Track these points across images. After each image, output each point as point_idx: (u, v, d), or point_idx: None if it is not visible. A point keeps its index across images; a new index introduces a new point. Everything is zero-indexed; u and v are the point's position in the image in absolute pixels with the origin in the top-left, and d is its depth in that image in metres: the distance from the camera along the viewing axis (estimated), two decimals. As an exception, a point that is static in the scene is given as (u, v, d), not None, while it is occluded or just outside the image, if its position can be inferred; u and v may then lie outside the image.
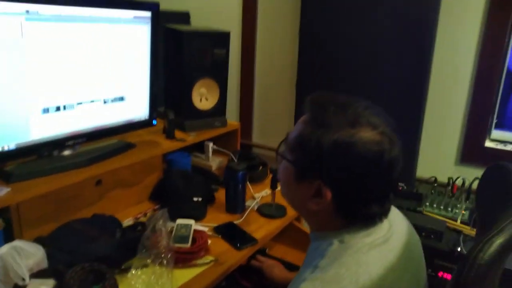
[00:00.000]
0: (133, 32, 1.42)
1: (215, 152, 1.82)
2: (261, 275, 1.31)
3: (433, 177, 1.84)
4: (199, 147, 1.82)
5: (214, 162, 1.80)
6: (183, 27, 1.71)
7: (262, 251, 1.47)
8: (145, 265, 1.05)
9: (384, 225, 0.76)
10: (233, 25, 2.39)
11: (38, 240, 1.11)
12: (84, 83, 1.31)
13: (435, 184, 1.82)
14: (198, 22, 2.51)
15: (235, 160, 1.66)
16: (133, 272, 1.02)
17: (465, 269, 0.60)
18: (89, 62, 1.30)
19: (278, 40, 2.31)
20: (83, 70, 1.29)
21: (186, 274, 1.09)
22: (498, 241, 0.61)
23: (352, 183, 0.71)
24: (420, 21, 1.74)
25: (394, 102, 1.86)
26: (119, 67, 1.41)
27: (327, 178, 0.71)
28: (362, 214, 0.73)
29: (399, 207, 1.70)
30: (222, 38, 1.74)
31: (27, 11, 1.10)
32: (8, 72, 1.09)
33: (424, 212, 1.64)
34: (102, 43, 1.33)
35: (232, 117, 2.42)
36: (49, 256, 1.03)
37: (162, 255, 1.03)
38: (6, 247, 0.93)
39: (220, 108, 1.81)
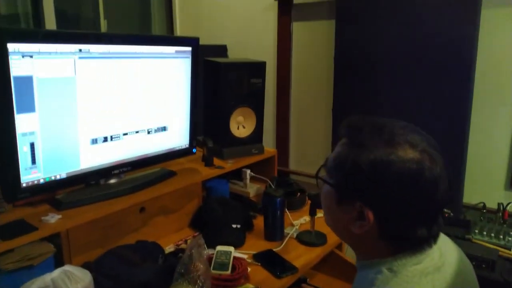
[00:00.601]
0: (175, 66, 1.50)
1: (252, 179, 1.84)
2: None
3: (481, 203, 1.75)
4: (237, 174, 1.85)
5: (252, 189, 1.82)
6: (220, 59, 1.78)
7: (303, 281, 1.45)
8: (185, 291, 1.06)
9: (435, 252, 0.73)
10: (268, 56, 2.46)
11: (86, 265, 1.15)
12: (130, 115, 1.38)
13: (484, 210, 1.73)
14: (235, 54, 2.60)
15: (273, 187, 1.66)
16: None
17: None
18: (135, 94, 1.38)
19: (313, 68, 2.34)
20: (129, 102, 1.37)
21: (226, 302, 1.09)
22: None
23: (393, 203, 0.69)
24: (459, 38, 1.71)
25: (436, 126, 1.82)
26: (162, 99, 1.48)
27: (367, 199, 0.70)
28: (408, 238, 0.70)
29: (446, 235, 1.64)
30: (258, 68, 1.80)
31: (80, 50, 1.19)
32: (62, 106, 1.18)
33: (473, 240, 1.56)
34: (147, 76, 1.40)
35: (269, 145, 2.44)
36: (95, 281, 1.07)
37: (199, 282, 1.04)
38: (57, 272, 0.98)
39: (257, 135, 1.85)
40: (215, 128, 1.80)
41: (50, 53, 1.12)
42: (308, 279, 1.48)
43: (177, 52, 1.49)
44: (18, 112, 1.08)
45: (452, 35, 1.72)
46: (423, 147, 0.69)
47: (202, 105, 1.86)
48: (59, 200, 1.24)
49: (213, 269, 1.16)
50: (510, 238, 1.56)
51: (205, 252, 1.14)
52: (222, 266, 1.17)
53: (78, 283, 0.99)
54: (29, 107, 1.10)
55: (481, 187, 1.89)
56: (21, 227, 1.09)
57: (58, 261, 1.13)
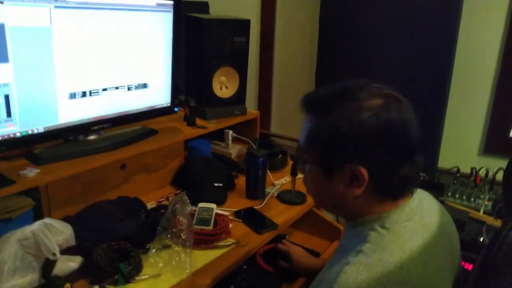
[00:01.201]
0: (156, 19, 1.44)
1: (234, 140, 1.84)
2: (285, 259, 1.31)
3: (455, 167, 1.81)
4: (219, 135, 1.84)
5: (234, 150, 1.82)
6: (203, 15, 1.72)
7: (282, 237, 1.48)
8: (166, 246, 1.08)
9: (416, 204, 0.78)
10: (252, 14, 2.40)
11: (66, 220, 1.15)
12: (109, 70, 1.34)
13: (458, 175, 1.79)
14: (217, 11, 2.52)
15: (255, 148, 1.67)
16: (153, 251, 1.05)
17: (496, 245, 0.59)
18: (114, 49, 1.33)
19: (297, 29, 2.30)
20: (108, 57, 1.32)
21: (208, 255, 1.11)
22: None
23: (377, 150, 0.71)
24: (443, 12, 1.71)
25: (416, 92, 1.84)
26: (143, 54, 1.43)
27: (354, 158, 0.72)
28: (399, 182, 0.73)
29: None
30: (242, 26, 1.75)
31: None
32: (37, 58, 1.13)
33: (446, 202, 1.62)
34: (126, 30, 1.35)
35: (251, 106, 2.43)
36: (77, 234, 1.07)
37: (182, 236, 1.06)
38: (37, 224, 0.97)
39: (240, 96, 1.83)
40: (198, 87, 1.77)
41: (23, 0, 1.06)
42: (287, 236, 1.52)
43: (158, 5, 1.43)
44: (-9, 62, 1.03)
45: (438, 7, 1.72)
46: (385, 92, 0.73)
47: (184, 64, 1.82)
48: (37, 154, 1.21)
49: (196, 224, 1.17)
50: (480, 201, 1.63)
51: (188, 208, 1.15)
52: (204, 221, 1.19)
53: (59, 236, 0.99)
54: (2, 57, 1.05)
55: (456, 152, 1.94)
56: (-1, 181, 1.07)
57: (37, 215, 1.12)
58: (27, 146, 1.22)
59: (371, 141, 0.70)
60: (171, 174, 1.54)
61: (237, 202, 1.44)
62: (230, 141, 1.82)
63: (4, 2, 1.03)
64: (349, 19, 1.96)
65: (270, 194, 1.47)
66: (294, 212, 1.40)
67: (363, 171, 0.72)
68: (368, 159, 0.72)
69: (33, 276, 0.94)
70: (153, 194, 1.45)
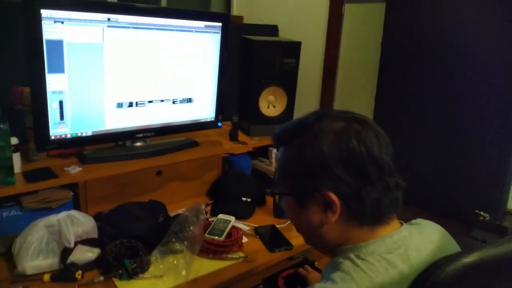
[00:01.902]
0: (204, 40, 1.55)
1: (279, 158, 1.84)
2: (304, 285, 1.28)
3: (524, 209, 1.58)
4: (266, 153, 1.87)
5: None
6: (255, 37, 1.79)
7: (311, 263, 1.44)
8: (175, 250, 1.13)
9: (402, 237, 0.72)
10: (317, 37, 2.41)
11: (98, 215, 1.28)
12: (156, 84, 1.47)
13: (526, 218, 1.56)
14: (286, 34, 2.59)
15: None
16: (162, 253, 1.10)
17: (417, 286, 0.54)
18: (161, 65, 1.46)
19: (361, 52, 2.25)
20: (155, 72, 1.46)
21: (213, 265, 1.14)
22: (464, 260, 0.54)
23: (342, 175, 0.69)
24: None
25: (482, 119, 1.67)
26: (189, 71, 1.54)
27: (322, 183, 0.71)
28: (371, 206, 0.70)
29: (474, 239, 1.52)
30: (292, 47, 1.79)
31: (109, 19, 1.29)
32: (89, 71, 1.30)
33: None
34: (174, 48, 1.48)
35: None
36: (101, 229, 1.19)
37: (189, 241, 1.10)
38: (62, 214, 1.10)
39: (287, 115, 1.85)
40: (245, 105, 1.83)
41: (80, 20, 1.23)
42: (316, 263, 1.47)
43: (206, 26, 1.54)
44: (49, 72, 1.22)
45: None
46: (346, 116, 0.73)
47: (238, 83, 1.90)
48: (84, 155, 1.38)
49: (208, 233, 1.21)
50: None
51: (202, 216, 1.20)
52: (218, 232, 1.22)
53: (79, 227, 1.10)
54: (59, 68, 1.23)
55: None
56: (45, 174, 1.24)
57: (76, 208, 1.27)
58: (77, 147, 1.39)
59: (333, 166, 0.69)
60: (207, 185, 1.61)
61: (263, 218, 1.44)
62: (273, 159, 1.83)
63: (64, 22, 1.21)
64: (412, 44, 1.87)
65: (296, 215, 1.44)
66: (317, 235, 1.36)
67: (333, 196, 0.70)
68: (335, 184, 0.70)
69: (54, 260, 1.06)
70: (186, 202, 1.51)
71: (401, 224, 0.76)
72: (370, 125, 0.72)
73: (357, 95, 2.31)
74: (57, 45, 1.21)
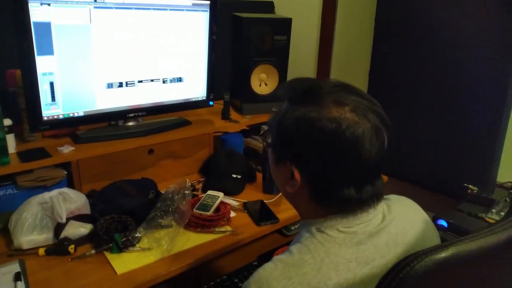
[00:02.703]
0: (192, 18, 1.56)
1: (271, 136, 1.87)
2: None
3: (510, 182, 1.60)
4: (259, 130, 1.89)
5: (269, 146, 1.86)
6: (245, 14, 1.79)
7: None
8: (164, 225, 1.17)
9: (374, 218, 0.71)
10: (313, 15, 2.40)
11: (91, 192, 1.33)
12: (145, 64, 1.49)
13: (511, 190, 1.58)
14: (282, 12, 2.57)
15: (263, 144, 1.68)
16: (151, 228, 1.15)
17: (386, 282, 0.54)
18: (150, 45, 1.48)
19: (356, 29, 2.24)
20: (144, 52, 1.47)
21: (200, 238, 1.18)
22: (438, 256, 0.53)
23: (316, 161, 0.69)
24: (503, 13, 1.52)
25: (474, 100, 1.68)
26: (178, 51, 1.56)
27: (293, 157, 0.72)
28: (337, 199, 0.70)
29: (460, 211, 1.55)
30: (283, 24, 1.78)
31: (95, 0, 1.31)
32: (78, 52, 1.32)
33: (486, 219, 1.45)
34: (162, 27, 1.49)
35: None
36: (93, 205, 1.24)
37: (175, 215, 1.15)
38: (55, 191, 1.15)
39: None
40: (237, 83, 1.85)
41: (66, 1, 1.25)
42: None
43: (194, 5, 1.54)
44: (39, 54, 1.24)
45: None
46: (354, 106, 0.67)
47: (229, 61, 1.91)
48: (77, 135, 1.42)
49: (196, 208, 1.25)
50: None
51: (187, 192, 1.24)
52: (205, 207, 1.26)
53: (71, 204, 1.15)
54: (48, 50, 1.26)
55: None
56: (39, 154, 1.29)
57: (70, 186, 1.32)
58: (70, 127, 1.43)
59: (311, 148, 0.68)
60: (199, 163, 1.65)
61: (252, 194, 1.48)
62: (265, 137, 1.86)
63: (51, 4, 1.23)
64: (405, 21, 1.86)
65: (285, 190, 1.48)
66: (304, 210, 1.40)
67: (297, 174, 0.71)
68: (304, 164, 0.71)
69: (48, 235, 1.12)
70: (178, 180, 1.56)
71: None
72: (374, 124, 0.67)
73: (352, 69, 2.31)
74: (45, 27, 1.23)
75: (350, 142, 0.66)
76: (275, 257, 0.69)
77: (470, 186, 1.66)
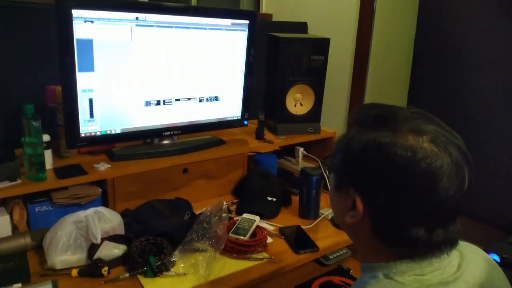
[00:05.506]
0: (231, 38, 1.54)
1: (306, 158, 1.82)
2: None
3: None
4: (293, 151, 1.85)
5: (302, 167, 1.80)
6: (282, 34, 1.76)
7: (346, 271, 1.41)
8: (199, 249, 1.13)
9: (448, 266, 0.64)
10: (348, 33, 2.36)
11: (125, 211, 1.30)
12: (183, 83, 1.48)
13: None
14: (315, 31, 2.55)
15: (324, 167, 1.63)
16: (186, 252, 1.11)
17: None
18: (188, 63, 1.47)
19: (392, 50, 2.18)
20: (183, 70, 1.46)
21: (237, 265, 1.13)
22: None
23: (382, 192, 0.62)
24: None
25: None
26: (215, 70, 1.54)
27: (358, 185, 0.65)
28: (403, 238, 0.62)
29: (511, 244, 1.44)
30: (320, 44, 1.75)
31: (137, 18, 1.31)
32: (119, 69, 1.32)
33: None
34: (201, 46, 1.48)
35: (339, 126, 2.37)
36: (128, 225, 1.20)
37: (212, 240, 1.10)
38: (90, 210, 1.13)
39: (314, 114, 1.81)
40: (272, 103, 1.81)
41: (109, 19, 1.25)
42: (351, 271, 1.42)
43: (233, 24, 1.53)
44: (80, 71, 1.24)
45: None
46: (433, 137, 0.60)
47: (266, 81, 1.88)
48: (113, 152, 1.40)
49: (232, 233, 1.20)
50: None
51: (224, 215, 1.19)
52: (242, 231, 1.21)
53: (106, 223, 1.12)
54: (88, 67, 1.25)
55: None
56: (75, 170, 1.27)
57: (104, 205, 1.29)
58: (106, 144, 1.41)
59: (379, 175, 0.62)
60: (233, 183, 1.61)
61: (288, 218, 1.42)
62: (300, 158, 1.81)
63: (94, 22, 1.23)
64: (446, 40, 1.80)
65: (323, 216, 1.42)
66: (344, 238, 1.32)
67: (359, 203, 0.64)
68: (369, 194, 0.64)
69: (81, 256, 1.09)
70: (212, 200, 1.51)
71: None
72: (455, 160, 0.60)
73: (388, 91, 2.24)
74: (87, 44, 1.23)
75: (425, 174, 0.59)
76: None
77: None
